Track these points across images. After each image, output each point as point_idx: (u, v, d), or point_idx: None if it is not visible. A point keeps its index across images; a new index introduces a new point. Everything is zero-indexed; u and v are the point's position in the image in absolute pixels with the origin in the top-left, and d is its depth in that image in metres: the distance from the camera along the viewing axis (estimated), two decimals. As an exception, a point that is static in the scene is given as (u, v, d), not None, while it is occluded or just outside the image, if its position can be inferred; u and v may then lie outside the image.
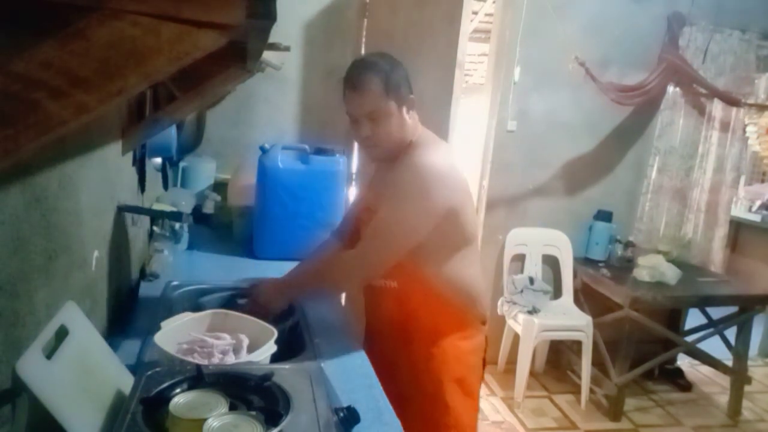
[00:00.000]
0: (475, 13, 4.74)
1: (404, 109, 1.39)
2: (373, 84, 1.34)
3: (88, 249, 1.12)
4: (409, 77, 1.42)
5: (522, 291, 3.07)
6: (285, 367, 1.02)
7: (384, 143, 1.40)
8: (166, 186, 2.28)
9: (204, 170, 2.60)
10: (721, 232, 3.60)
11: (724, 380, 3.28)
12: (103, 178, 1.24)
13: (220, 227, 2.23)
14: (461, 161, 1.49)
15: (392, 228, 1.35)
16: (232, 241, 2.21)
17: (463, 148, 3.83)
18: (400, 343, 1.49)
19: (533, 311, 2.96)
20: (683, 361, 3.53)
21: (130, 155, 1.55)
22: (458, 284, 1.45)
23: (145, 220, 1.84)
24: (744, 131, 3.70)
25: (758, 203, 4.44)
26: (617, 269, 3.16)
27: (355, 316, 1.68)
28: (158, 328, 1.17)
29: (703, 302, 3.16)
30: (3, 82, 0.53)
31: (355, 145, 2.93)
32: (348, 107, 1.39)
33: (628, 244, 3.32)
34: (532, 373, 3.21)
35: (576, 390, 3.11)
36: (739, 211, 4.48)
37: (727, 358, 3.15)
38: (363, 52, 2.88)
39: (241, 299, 1.48)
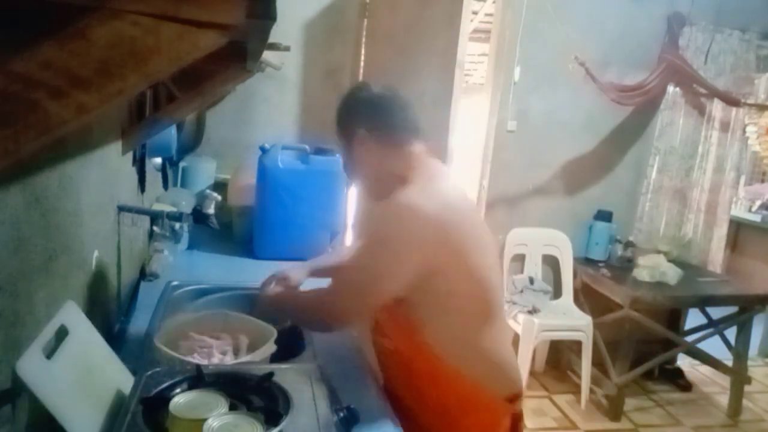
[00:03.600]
0: (475, 13, 4.74)
1: (390, 149, 1.24)
2: (350, 122, 1.26)
3: (88, 249, 1.12)
4: (407, 108, 1.27)
5: (522, 291, 3.07)
6: (285, 367, 1.02)
7: (356, 179, 1.35)
8: (166, 186, 2.28)
9: (204, 170, 2.60)
10: (721, 231, 3.60)
11: (724, 380, 3.28)
12: (103, 178, 1.24)
13: (220, 227, 2.23)
14: (469, 198, 1.34)
15: (361, 273, 1.20)
16: (232, 241, 2.21)
17: (463, 148, 3.83)
18: (404, 410, 1.23)
19: (533, 311, 2.96)
20: (683, 361, 3.53)
21: (130, 155, 1.55)
22: (475, 354, 1.21)
23: (145, 220, 1.84)
24: (744, 131, 3.70)
25: (758, 203, 4.44)
26: (617, 269, 3.16)
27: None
28: (158, 328, 1.17)
29: (703, 302, 3.16)
30: (3, 82, 0.53)
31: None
32: None
33: (628, 244, 3.32)
34: (532, 373, 3.21)
35: (576, 390, 3.11)
36: (739, 211, 4.48)
37: (727, 358, 3.15)
38: (363, 52, 2.88)
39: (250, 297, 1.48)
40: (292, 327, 1.43)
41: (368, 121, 1.24)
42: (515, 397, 1.26)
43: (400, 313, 1.22)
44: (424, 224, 1.12)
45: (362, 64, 2.88)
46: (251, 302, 1.45)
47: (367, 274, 1.18)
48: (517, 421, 1.27)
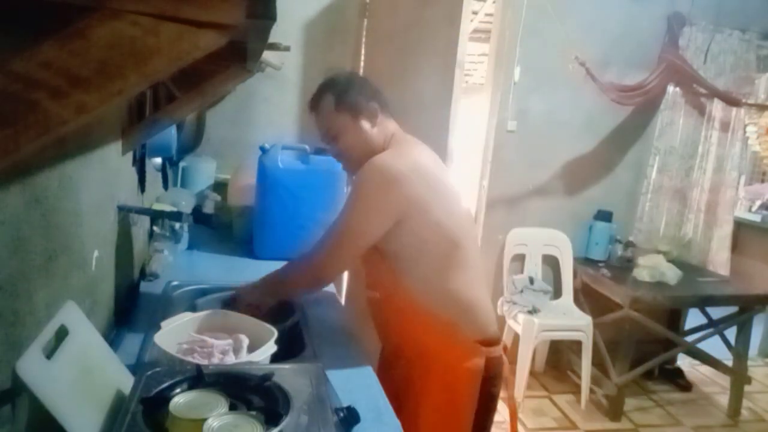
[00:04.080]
0: (475, 13, 4.74)
1: (362, 121, 1.39)
2: (323, 102, 1.40)
3: (88, 249, 1.12)
4: (375, 88, 1.43)
5: (522, 291, 3.07)
6: (285, 367, 1.02)
7: (350, 157, 1.42)
8: (166, 186, 2.28)
9: (204, 170, 2.60)
10: (724, 231, 3.60)
11: (724, 380, 3.28)
12: (103, 178, 1.23)
13: (220, 227, 2.23)
14: (438, 162, 1.43)
15: (339, 230, 1.34)
16: (232, 241, 2.21)
17: (463, 148, 3.83)
18: (392, 357, 1.44)
19: (533, 311, 2.96)
20: (683, 361, 3.53)
21: (130, 155, 1.55)
22: (445, 296, 1.33)
23: (145, 220, 1.84)
24: (744, 131, 3.70)
25: (758, 203, 4.44)
26: (617, 269, 3.16)
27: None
28: (158, 328, 1.17)
29: (703, 302, 3.16)
30: (3, 82, 0.53)
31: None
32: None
33: (628, 244, 3.32)
34: (532, 373, 3.21)
35: (576, 390, 3.11)
36: (739, 211, 4.48)
37: (727, 358, 3.15)
38: (363, 52, 2.88)
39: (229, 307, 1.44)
40: (293, 327, 1.43)
41: (368, 95, 1.40)
42: (489, 342, 1.36)
43: (385, 267, 1.36)
44: (391, 179, 1.27)
45: (362, 64, 2.88)
46: (227, 303, 1.44)
47: (340, 229, 1.33)
48: (498, 366, 1.36)
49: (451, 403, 1.34)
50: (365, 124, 1.39)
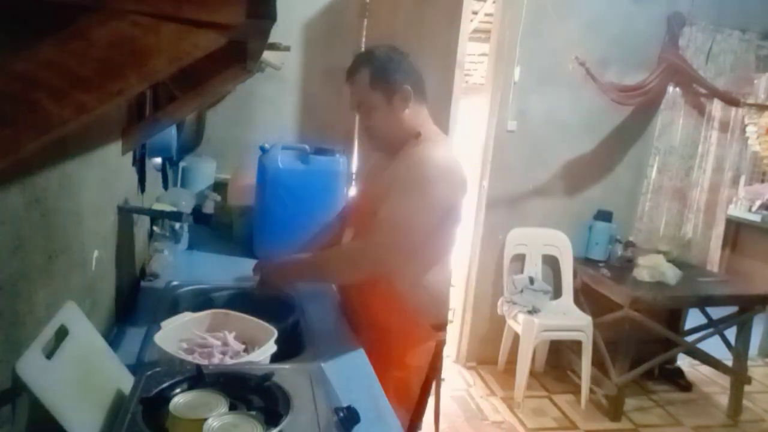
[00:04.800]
0: (475, 13, 4.74)
1: (396, 102, 1.38)
2: (359, 75, 1.38)
3: (88, 249, 1.12)
4: (414, 68, 1.42)
5: (522, 291, 3.07)
6: (285, 367, 1.02)
7: (378, 134, 1.42)
8: (166, 186, 2.28)
9: (204, 170, 2.60)
10: (717, 231, 3.61)
11: (724, 380, 3.28)
12: (103, 178, 1.23)
13: (220, 227, 2.23)
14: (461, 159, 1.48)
15: (398, 224, 1.32)
16: (232, 241, 2.21)
17: (463, 148, 3.83)
18: (361, 329, 1.49)
19: (533, 311, 2.96)
20: (683, 361, 3.53)
21: (130, 155, 1.55)
22: (418, 286, 1.43)
23: (145, 220, 1.84)
24: (744, 131, 3.70)
25: (758, 203, 4.44)
26: (617, 269, 3.16)
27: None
28: (158, 328, 1.17)
29: (703, 302, 3.16)
30: (3, 82, 0.53)
31: (356, 145, 2.94)
32: (349, 101, 1.45)
33: (628, 244, 3.32)
34: (532, 373, 3.21)
35: (576, 390, 3.11)
36: (739, 211, 4.48)
37: (727, 358, 3.15)
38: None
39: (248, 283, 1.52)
40: (293, 327, 1.43)
41: (405, 77, 1.38)
42: (441, 326, 1.51)
43: None
44: (448, 172, 1.33)
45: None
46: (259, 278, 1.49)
47: (404, 222, 1.31)
48: (440, 347, 1.53)
49: (405, 379, 1.47)
50: (398, 105, 1.39)
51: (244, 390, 0.89)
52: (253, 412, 0.81)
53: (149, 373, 0.92)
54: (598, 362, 3.00)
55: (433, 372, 1.54)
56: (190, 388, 0.88)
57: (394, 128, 1.40)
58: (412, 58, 1.45)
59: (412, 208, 1.31)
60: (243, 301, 1.50)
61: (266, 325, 1.24)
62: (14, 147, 0.56)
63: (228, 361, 1.15)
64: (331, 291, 1.78)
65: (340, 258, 1.43)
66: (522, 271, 3.26)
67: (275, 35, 1.28)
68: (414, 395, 1.51)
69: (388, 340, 1.44)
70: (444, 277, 1.49)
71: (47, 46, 0.52)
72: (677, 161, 3.43)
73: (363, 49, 1.48)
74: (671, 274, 3.00)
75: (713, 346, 3.18)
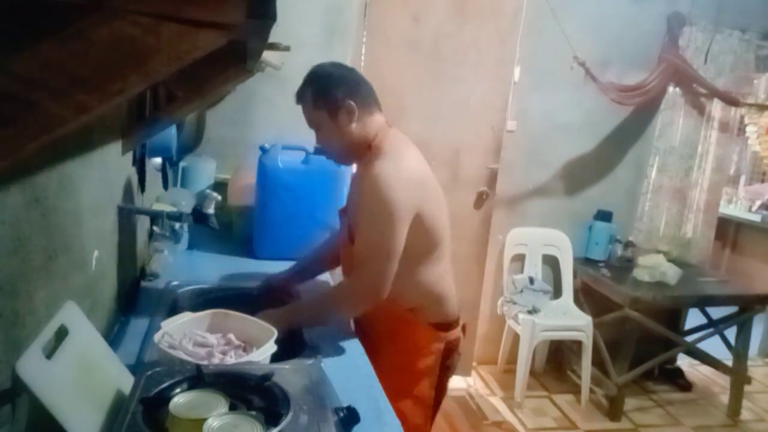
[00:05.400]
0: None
1: (340, 117, 1.40)
2: (304, 96, 1.42)
3: (88, 249, 1.12)
4: (358, 81, 1.44)
5: (522, 291, 3.07)
6: (285, 367, 1.02)
7: (330, 150, 1.47)
8: (166, 186, 2.28)
9: (204, 170, 2.60)
10: (710, 231, 3.62)
11: (724, 380, 3.28)
12: (103, 178, 1.23)
13: (220, 227, 2.23)
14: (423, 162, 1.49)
15: (375, 253, 1.35)
16: (232, 241, 2.21)
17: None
18: (362, 334, 1.51)
19: (533, 311, 2.96)
20: (683, 361, 3.53)
21: (130, 155, 1.55)
22: (417, 288, 1.45)
23: (145, 220, 1.84)
24: (744, 131, 3.70)
25: (758, 203, 4.44)
26: (617, 269, 3.16)
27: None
28: (158, 328, 1.17)
29: (703, 302, 3.16)
30: (3, 82, 0.53)
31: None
32: None
33: (628, 244, 3.32)
34: (532, 373, 3.21)
35: (576, 390, 3.11)
36: (739, 211, 4.48)
37: (727, 358, 3.15)
38: (363, 52, 2.88)
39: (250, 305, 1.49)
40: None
41: (347, 92, 1.40)
42: (448, 326, 1.51)
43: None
44: (402, 182, 1.33)
45: (362, 64, 2.88)
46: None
47: (381, 244, 1.34)
48: (451, 345, 1.52)
49: (417, 384, 1.49)
50: (343, 121, 1.40)
51: (244, 390, 0.89)
52: (253, 412, 0.80)
53: (149, 373, 0.92)
54: (598, 362, 3.00)
55: (445, 372, 1.54)
56: (190, 388, 0.88)
57: (343, 143, 1.43)
58: (356, 72, 1.49)
59: (382, 234, 1.34)
60: (243, 301, 1.50)
61: (266, 325, 1.24)
62: (14, 147, 0.56)
63: (228, 361, 1.15)
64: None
65: (338, 300, 1.46)
66: (522, 271, 3.26)
67: (275, 35, 1.28)
68: (429, 399, 1.51)
69: (393, 347, 1.47)
70: (437, 274, 1.48)
71: (47, 46, 0.52)
72: (677, 161, 3.43)
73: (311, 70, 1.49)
74: (671, 274, 2.99)
75: (713, 346, 3.18)
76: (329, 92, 1.39)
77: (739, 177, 4.81)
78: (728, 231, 4.46)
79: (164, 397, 0.83)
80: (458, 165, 3.04)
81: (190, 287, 1.66)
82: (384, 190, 1.32)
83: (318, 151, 1.53)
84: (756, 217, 4.29)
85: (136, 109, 1.57)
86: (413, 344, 1.49)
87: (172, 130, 1.76)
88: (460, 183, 3.06)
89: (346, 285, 1.46)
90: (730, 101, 3.33)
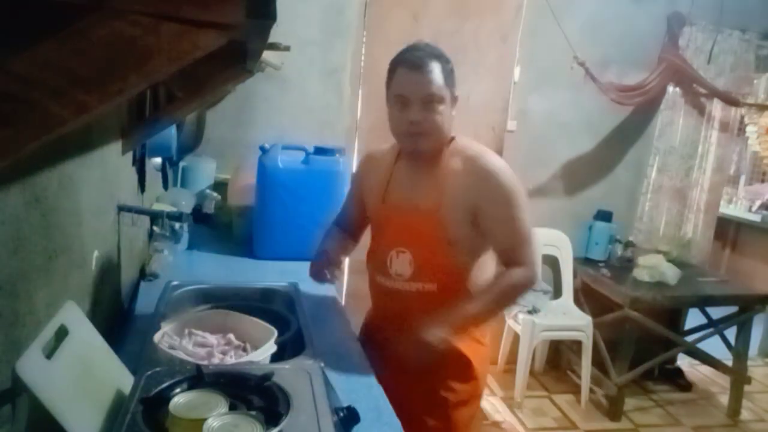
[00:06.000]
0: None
1: (454, 104, 1.40)
2: (437, 69, 1.33)
3: (88, 249, 1.12)
4: None
5: (522, 291, 3.07)
6: (285, 367, 1.02)
7: (431, 132, 1.36)
8: (166, 186, 2.28)
9: (204, 170, 2.60)
10: (710, 231, 3.62)
11: (724, 380, 3.28)
12: (103, 178, 1.24)
13: (220, 227, 2.23)
14: None
15: (527, 235, 1.40)
16: (232, 241, 2.21)
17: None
18: (418, 344, 1.30)
19: (533, 311, 2.96)
20: (683, 361, 3.53)
21: (130, 155, 1.55)
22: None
23: (145, 220, 1.84)
24: (744, 131, 3.70)
25: (758, 203, 4.44)
26: (617, 269, 3.16)
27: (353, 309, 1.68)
28: (158, 328, 1.17)
29: (703, 302, 3.16)
30: (3, 82, 0.53)
31: (356, 146, 2.94)
32: (401, 88, 1.35)
33: (628, 244, 3.32)
34: (532, 373, 3.21)
35: (576, 390, 3.11)
36: (739, 211, 4.48)
37: (727, 358, 3.15)
38: (363, 52, 2.88)
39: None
40: (294, 329, 1.43)
41: (456, 83, 1.40)
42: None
43: (447, 256, 1.39)
44: (511, 172, 1.43)
45: (362, 64, 2.88)
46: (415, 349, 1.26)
47: (525, 231, 1.40)
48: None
49: (475, 393, 1.50)
50: (453, 109, 1.40)
51: (244, 390, 0.89)
52: (253, 412, 0.80)
53: (149, 373, 0.92)
54: (598, 362, 3.00)
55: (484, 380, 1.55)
56: (190, 388, 0.88)
57: (445, 129, 1.38)
58: None
59: (525, 221, 1.40)
60: (243, 301, 1.50)
61: (266, 325, 1.24)
62: (14, 147, 0.56)
63: (228, 361, 1.15)
64: (330, 292, 1.78)
65: (517, 290, 1.41)
66: (522, 271, 3.25)
67: (275, 35, 1.28)
68: (476, 413, 1.53)
69: (464, 365, 1.44)
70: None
71: (47, 46, 0.52)
72: (677, 161, 3.43)
73: (424, 43, 1.40)
74: (671, 274, 2.99)
75: (713, 346, 3.18)
76: (453, 74, 1.38)
77: (739, 177, 4.81)
78: (728, 231, 4.46)
79: (164, 397, 0.83)
80: (458, 165, 3.03)
81: (190, 287, 1.66)
82: (514, 181, 1.40)
83: (416, 129, 1.36)
84: (756, 217, 4.29)
85: (136, 109, 1.57)
86: (485, 354, 1.50)
87: (172, 130, 1.76)
88: (460, 183, 3.05)
89: (521, 275, 1.38)
90: (730, 101, 3.33)
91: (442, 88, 1.33)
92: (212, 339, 1.21)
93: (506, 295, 1.41)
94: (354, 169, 1.63)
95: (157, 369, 0.94)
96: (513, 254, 1.40)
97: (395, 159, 1.51)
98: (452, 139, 1.44)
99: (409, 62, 1.33)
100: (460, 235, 1.39)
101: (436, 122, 1.35)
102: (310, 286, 1.64)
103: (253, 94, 2.75)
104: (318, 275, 1.51)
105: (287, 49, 2.12)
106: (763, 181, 4.76)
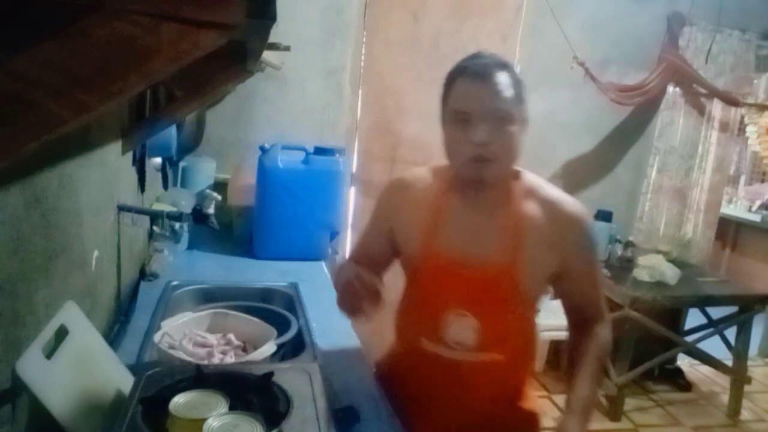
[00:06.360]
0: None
1: (525, 126, 1.17)
2: (506, 81, 1.11)
3: (88, 249, 1.12)
4: None
5: (522, 291, 3.07)
6: (285, 367, 1.02)
7: (500, 158, 1.11)
8: (166, 186, 2.28)
9: (204, 170, 2.60)
10: (711, 231, 3.63)
11: (724, 380, 3.28)
12: (103, 178, 1.24)
13: (220, 227, 2.23)
14: None
15: (602, 289, 1.29)
16: (232, 241, 2.21)
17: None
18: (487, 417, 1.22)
19: (533, 311, 2.95)
20: (683, 361, 3.53)
21: (130, 155, 1.55)
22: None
23: (145, 220, 1.84)
24: (744, 131, 3.71)
25: (758, 203, 4.45)
26: (617, 269, 3.16)
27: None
28: (158, 328, 1.17)
29: (703, 302, 3.15)
30: (3, 82, 0.53)
31: (356, 146, 2.93)
32: (461, 102, 1.10)
33: (628, 244, 3.32)
34: (532, 373, 3.20)
35: (576, 390, 3.10)
36: (739, 211, 4.48)
37: (727, 358, 3.15)
38: (363, 52, 2.88)
39: None
40: (294, 330, 1.43)
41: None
42: None
43: (520, 320, 1.21)
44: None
45: (362, 64, 2.88)
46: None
47: (600, 284, 1.28)
48: None
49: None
50: (524, 132, 1.17)
51: (244, 390, 0.89)
52: (253, 412, 0.80)
53: (149, 373, 0.92)
54: (598, 362, 3.00)
55: None
56: (190, 388, 0.88)
57: (514, 156, 1.16)
58: None
59: (600, 272, 1.29)
60: (243, 301, 1.50)
61: (266, 325, 1.24)
62: (14, 147, 0.56)
63: (228, 361, 1.15)
64: (330, 292, 1.78)
65: (606, 352, 1.30)
66: (522, 271, 3.25)
67: (275, 35, 1.28)
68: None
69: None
70: None
71: (47, 46, 0.52)
72: (677, 161, 3.43)
73: (490, 54, 1.18)
74: (671, 274, 2.99)
75: (713, 346, 3.18)
76: (526, 92, 1.17)
77: (739, 177, 4.81)
78: (728, 231, 4.46)
79: (164, 397, 0.83)
80: (458, 165, 3.03)
81: (190, 287, 1.66)
82: (589, 223, 1.21)
83: (485, 154, 1.11)
84: (756, 217, 4.29)
85: (136, 109, 1.57)
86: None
87: (172, 130, 1.76)
88: (460, 183, 3.05)
89: (606, 336, 1.28)
90: (730, 101, 3.33)
91: (511, 104, 1.11)
92: (212, 339, 1.21)
93: (603, 365, 1.28)
94: (381, 198, 1.28)
95: (157, 369, 0.94)
96: (591, 309, 1.25)
97: (442, 190, 1.21)
98: (517, 173, 1.22)
99: (472, 71, 1.10)
100: (535, 295, 1.20)
101: (506, 145, 1.11)
102: (310, 286, 1.65)
103: (253, 94, 2.75)
104: (351, 307, 1.09)
105: (287, 49, 2.12)
106: (763, 181, 4.77)
